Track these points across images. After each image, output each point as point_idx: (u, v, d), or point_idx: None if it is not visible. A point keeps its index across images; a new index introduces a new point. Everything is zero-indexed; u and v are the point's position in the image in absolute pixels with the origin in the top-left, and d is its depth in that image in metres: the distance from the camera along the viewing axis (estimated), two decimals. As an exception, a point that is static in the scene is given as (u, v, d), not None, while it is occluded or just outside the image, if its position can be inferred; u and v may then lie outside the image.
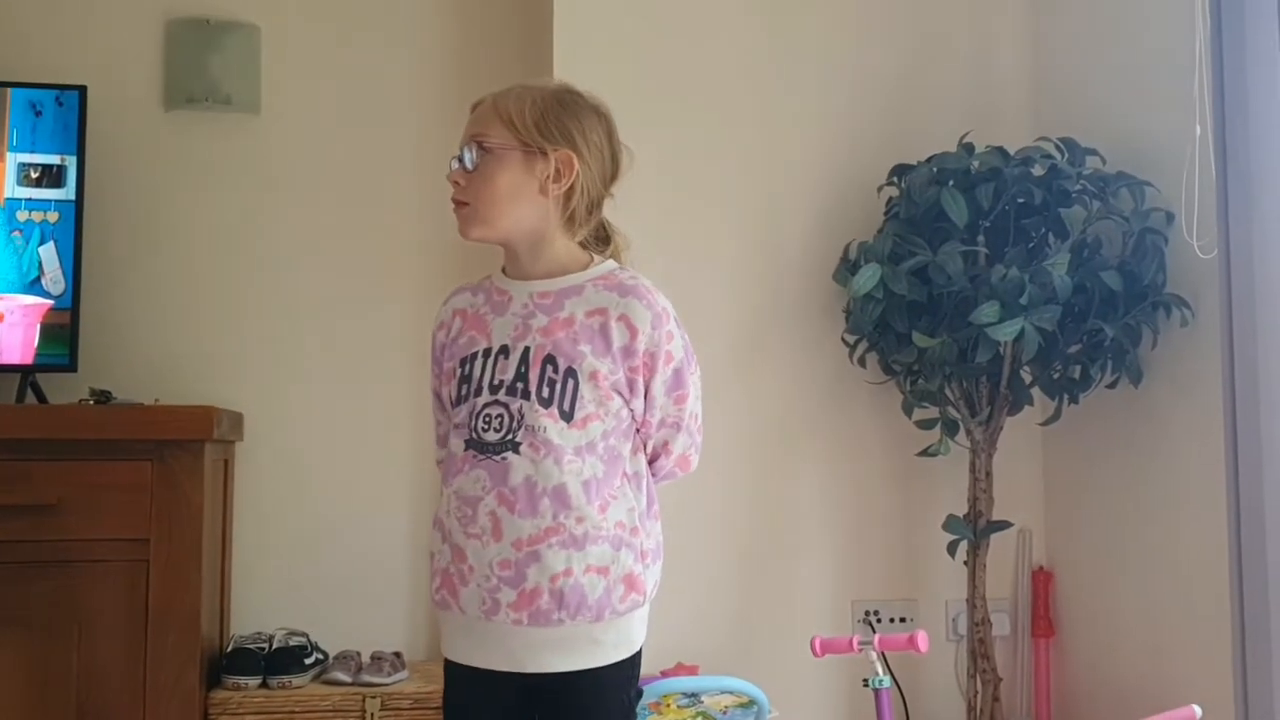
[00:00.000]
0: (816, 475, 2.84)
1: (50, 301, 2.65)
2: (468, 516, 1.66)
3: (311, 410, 2.90)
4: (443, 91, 3.01)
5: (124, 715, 2.36)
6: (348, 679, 2.57)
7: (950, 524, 2.65)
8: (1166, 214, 2.51)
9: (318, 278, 2.94)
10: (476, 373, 1.70)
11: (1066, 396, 2.63)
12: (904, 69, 2.94)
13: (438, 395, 1.83)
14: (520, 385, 1.67)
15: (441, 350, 1.79)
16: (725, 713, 2.38)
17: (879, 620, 2.83)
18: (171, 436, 2.41)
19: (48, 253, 2.67)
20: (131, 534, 2.39)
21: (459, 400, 1.72)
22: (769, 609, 2.80)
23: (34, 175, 2.67)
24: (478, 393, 1.69)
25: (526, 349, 1.68)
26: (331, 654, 2.70)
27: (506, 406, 1.67)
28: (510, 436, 1.66)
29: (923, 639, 2.26)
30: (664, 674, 2.57)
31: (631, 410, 1.73)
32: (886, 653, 2.34)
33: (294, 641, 2.63)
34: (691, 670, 2.62)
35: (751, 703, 2.33)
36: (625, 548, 1.68)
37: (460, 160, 1.72)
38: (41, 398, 2.65)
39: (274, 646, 2.61)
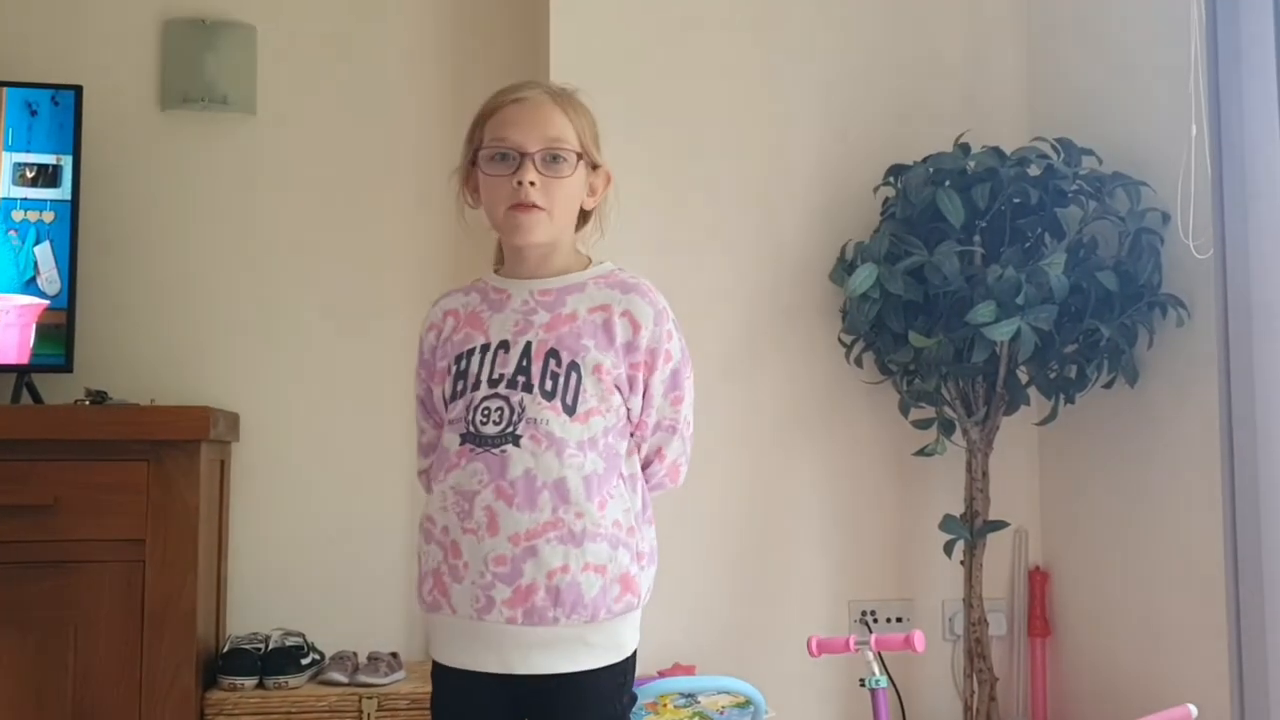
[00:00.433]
0: (813, 475, 2.84)
1: (46, 301, 2.65)
2: (464, 511, 1.65)
3: (308, 411, 2.90)
4: (439, 92, 3.01)
5: (120, 716, 2.36)
6: (344, 679, 2.57)
7: (947, 524, 2.65)
8: (1162, 214, 2.52)
9: (314, 278, 2.94)
10: (473, 368, 1.70)
11: (1063, 396, 2.63)
12: (900, 69, 2.94)
13: (423, 402, 1.81)
14: (522, 379, 1.67)
15: (432, 352, 1.78)
16: (722, 713, 2.38)
17: (875, 620, 2.83)
18: (167, 437, 2.41)
19: (43, 252, 2.66)
20: (127, 534, 2.39)
21: (454, 396, 1.71)
22: (766, 609, 2.80)
23: (29, 175, 2.67)
24: (475, 387, 1.69)
25: (528, 343, 1.69)
26: (328, 654, 2.70)
27: (507, 399, 1.66)
28: (510, 429, 1.65)
29: (919, 639, 2.26)
30: (661, 674, 2.57)
31: (629, 409, 1.73)
32: (883, 653, 2.34)
33: (290, 642, 2.63)
34: (688, 670, 2.63)
35: (748, 703, 2.33)
36: (622, 547, 1.68)
37: (549, 163, 1.70)
38: (37, 398, 2.64)
39: (270, 647, 2.61)
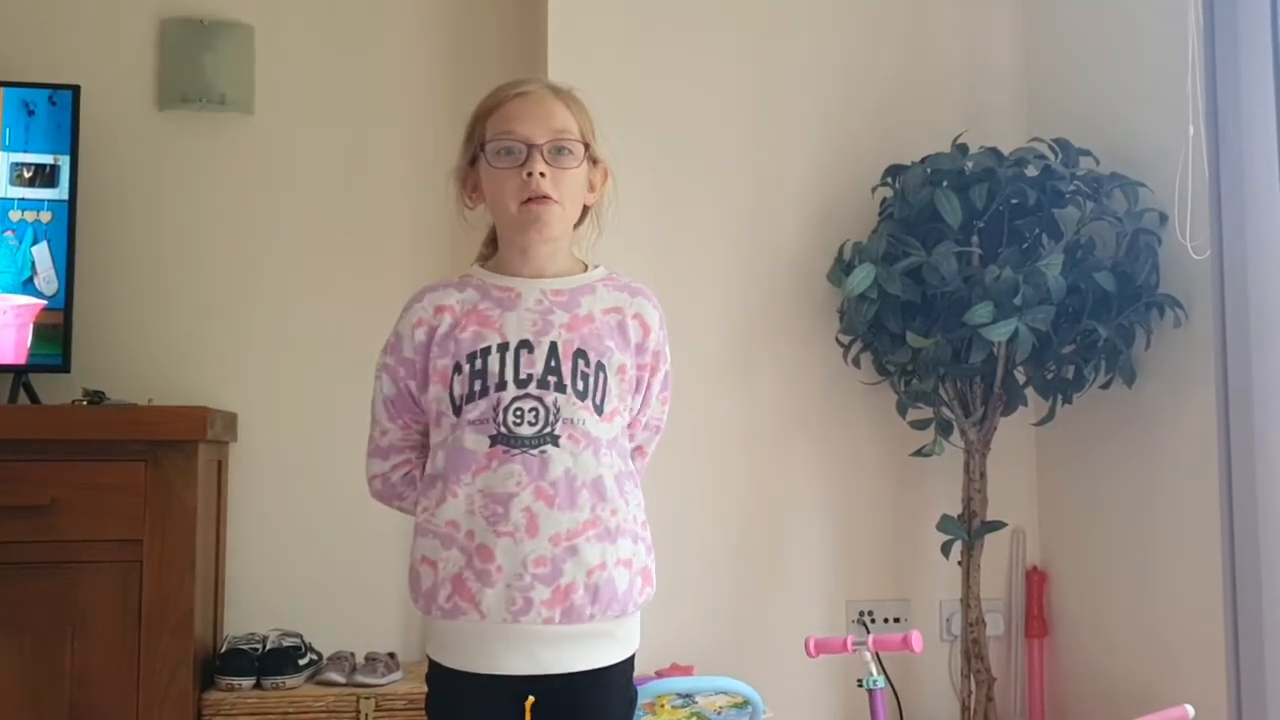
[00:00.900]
0: (811, 475, 2.84)
1: (43, 301, 2.65)
2: (498, 514, 1.63)
3: (305, 411, 2.90)
4: (436, 91, 3.01)
5: (117, 716, 2.36)
6: (342, 680, 2.57)
7: (944, 524, 2.65)
8: (1160, 215, 2.52)
9: (312, 278, 2.94)
10: (494, 367, 1.66)
11: (1060, 397, 2.63)
12: (898, 70, 2.94)
13: (392, 401, 1.75)
14: (553, 379, 1.66)
15: (421, 350, 1.71)
16: (720, 713, 2.38)
17: (873, 620, 2.83)
18: (165, 437, 2.41)
19: (41, 252, 2.66)
20: (125, 535, 2.39)
21: (472, 396, 1.67)
22: (763, 609, 2.80)
23: (27, 175, 2.67)
24: (501, 387, 1.66)
25: (553, 343, 1.68)
26: (325, 655, 2.70)
27: (540, 400, 1.65)
28: (548, 429, 1.65)
29: (917, 639, 2.26)
30: (659, 674, 2.57)
31: (630, 408, 1.76)
32: (881, 653, 2.34)
33: (288, 642, 2.63)
34: (686, 671, 2.63)
35: (746, 703, 2.33)
36: (640, 541, 1.71)
37: (556, 154, 1.69)
38: (34, 398, 2.64)
39: (268, 647, 2.61)
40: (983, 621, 2.67)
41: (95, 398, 2.54)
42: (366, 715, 2.49)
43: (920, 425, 2.69)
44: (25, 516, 2.35)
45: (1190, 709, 2.04)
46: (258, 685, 2.53)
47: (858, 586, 2.84)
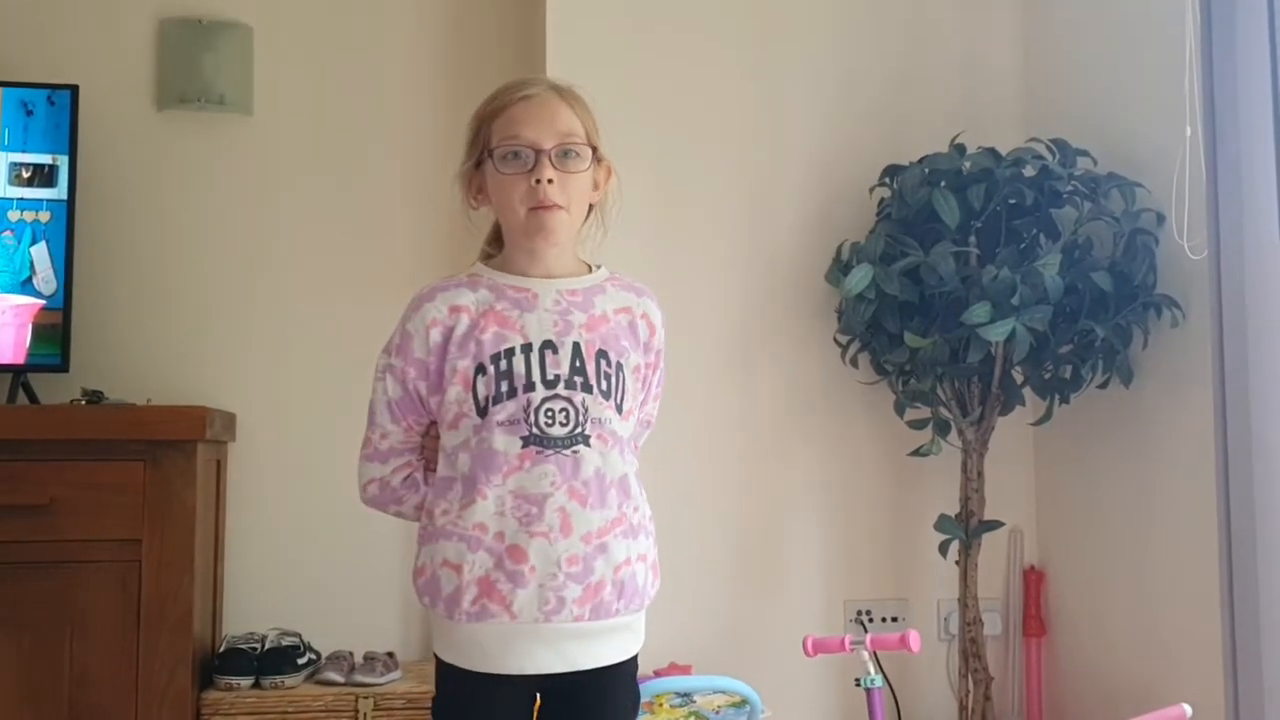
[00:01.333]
0: (808, 474, 2.85)
1: (42, 301, 2.65)
2: (532, 515, 1.63)
3: (304, 410, 2.90)
4: (435, 92, 3.01)
5: (116, 716, 2.36)
6: (340, 679, 2.57)
7: (942, 524, 2.65)
8: (1157, 215, 2.52)
9: (310, 278, 2.94)
10: (519, 368, 1.66)
11: (1058, 397, 2.63)
12: (896, 70, 2.94)
13: (395, 403, 1.72)
14: (579, 379, 1.67)
15: (437, 350, 1.68)
16: (718, 712, 2.39)
17: (871, 620, 2.83)
18: (164, 437, 2.41)
19: (39, 252, 2.66)
20: (124, 534, 2.39)
21: (499, 398, 1.65)
22: (761, 609, 2.80)
23: (26, 175, 2.67)
24: (529, 388, 1.65)
25: (576, 344, 1.68)
26: (324, 654, 2.70)
27: (569, 400, 1.66)
28: (579, 429, 1.65)
29: (914, 638, 2.26)
30: (657, 673, 2.58)
31: (638, 406, 1.77)
32: (878, 652, 2.35)
33: (286, 641, 2.63)
34: (684, 670, 2.63)
35: (744, 702, 2.33)
36: (651, 536, 1.74)
37: (563, 158, 1.68)
38: (33, 398, 2.64)
39: (266, 646, 2.61)
40: (980, 621, 2.68)
41: (94, 398, 2.54)
42: (365, 715, 2.50)
43: (918, 425, 2.69)
44: (24, 516, 2.35)
45: (1188, 708, 2.04)
46: (256, 685, 2.53)
47: (856, 586, 2.85)
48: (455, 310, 1.70)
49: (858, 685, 2.33)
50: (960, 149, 2.67)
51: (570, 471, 1.64)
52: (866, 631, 2.76)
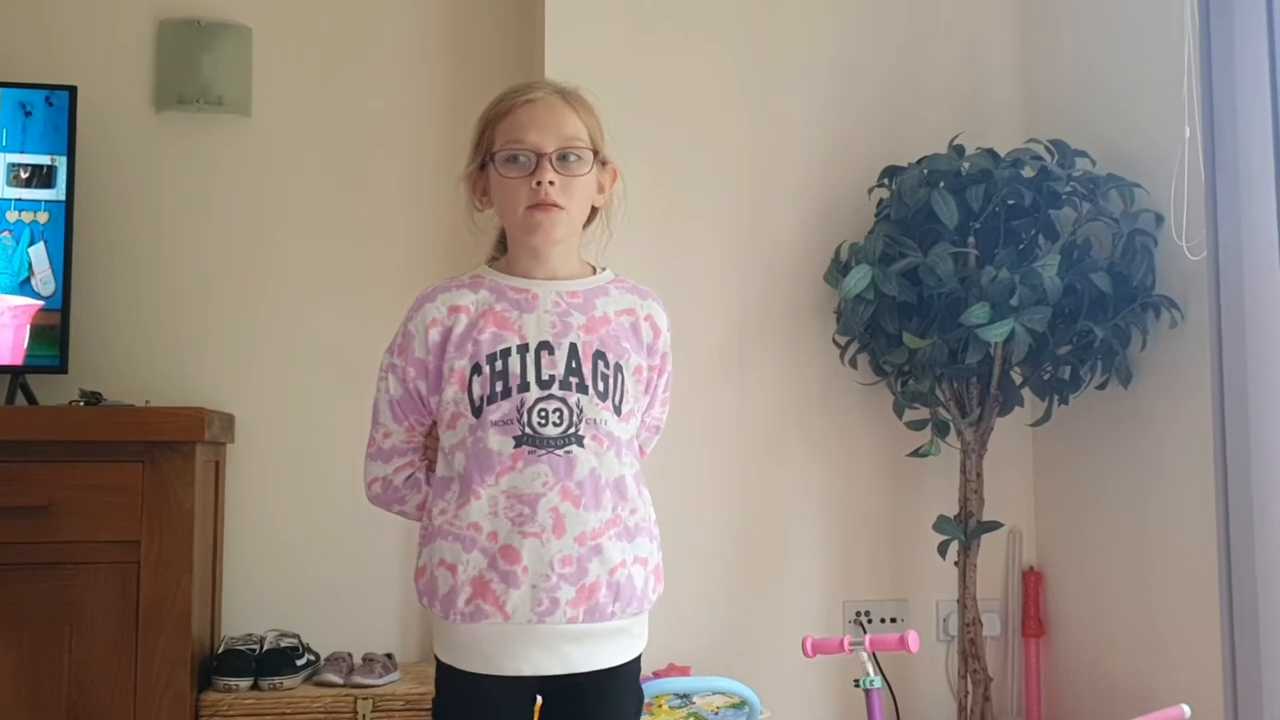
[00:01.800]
0: (808, 476, 2.85)
1: (40, 302, 2.65)
2: (524, 515, 1.63)
3: (303, 412, 2.90)
4: (434, 93, 3.01)
5: (115, 717, 2.36)
6: (339, 680, 2.57)
7: (941, 524, 2.65)
8: (1156, 215, 2.52)
9: (309, 279, 2.94)
10: (515, 368, 1.66)
11: (1056, 397, 2.64)
12: (895, 71, 2.95)
13: (397, 402, 1.73)
14: (575, 380, 1.67)
15: (436, 350, 1.70)
16: (717, 713, 2.39)
17: (870, 621, 2.83)
18: (162, 438, 2.41)
19: (38, 253, 2.66)
20: (122, 536, 2.39)
21: (494, 398, 1.66)
22: (760, 610, 2.80)
23: (24, 175, 2.67)
24: (524, 388, 1.66)
25: (573, 345, 1.68)
26: (323, 655, 2.70)
27: (564, 401, 1.66)
28: (572, 430, 1.66)
29: (914, 639, 2.26)
30: (656, 675, 2.57)
31: (641, 408, 1.77)
32: (877, 653, 2.35)
33: (285, 643, 2.63)
34: (683, 671, 2.63)
35: (743, 703, 2.33)
36: (654, 540, 1.73)
37: (565, 162, 1.69)
38: (31, 399, 2.64)
39: (265, 648, 2.61)
40: (979, 621, 2.68)
41: (92, 399, 2.54)
42: (364, 716, 2.50)
43: (917, 426, 2.69)
44: (23, 517, 2.35)
45: (1187, 709, 2.05)
46: (255, 686, 2.53)
47: (854, 586, 2.85)
48: (455, 310, 1.71)
49: (857, 686, 2.33)
50: (959, 150, 2.67)
51: (564, 472, 1.64)
52: (865, 632, 2.76)
